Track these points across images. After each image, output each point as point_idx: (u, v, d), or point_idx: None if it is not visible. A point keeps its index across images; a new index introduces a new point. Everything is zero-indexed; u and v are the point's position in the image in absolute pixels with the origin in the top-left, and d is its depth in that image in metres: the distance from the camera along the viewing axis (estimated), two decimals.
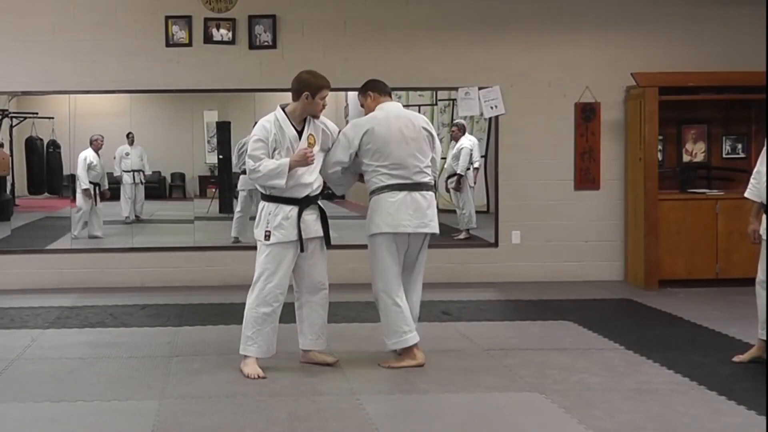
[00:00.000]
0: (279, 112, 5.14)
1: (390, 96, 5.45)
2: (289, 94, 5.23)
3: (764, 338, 5.21)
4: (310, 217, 5.12)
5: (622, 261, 8.63)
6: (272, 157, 5.02)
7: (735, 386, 4.81)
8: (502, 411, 4.52)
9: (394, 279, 5.25)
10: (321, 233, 5.17)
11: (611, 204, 8.62)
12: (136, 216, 10.10)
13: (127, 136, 9.83)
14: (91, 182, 9.60)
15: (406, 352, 5.30)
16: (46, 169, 10.14)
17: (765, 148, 5.22)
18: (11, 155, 9.71)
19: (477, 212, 9.80)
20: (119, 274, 8.40)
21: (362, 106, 5.50)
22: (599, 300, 7.67)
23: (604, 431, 4.14)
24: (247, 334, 5.12)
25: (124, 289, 8.21)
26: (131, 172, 10.02)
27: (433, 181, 5.40)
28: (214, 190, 10.42)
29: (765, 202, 5.13)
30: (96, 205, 9.63)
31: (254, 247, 5.21)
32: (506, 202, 8.63)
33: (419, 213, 5.23)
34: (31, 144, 10.04)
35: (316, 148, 5.12)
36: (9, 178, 9.87)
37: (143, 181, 10.15)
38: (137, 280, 8.42)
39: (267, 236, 5.04)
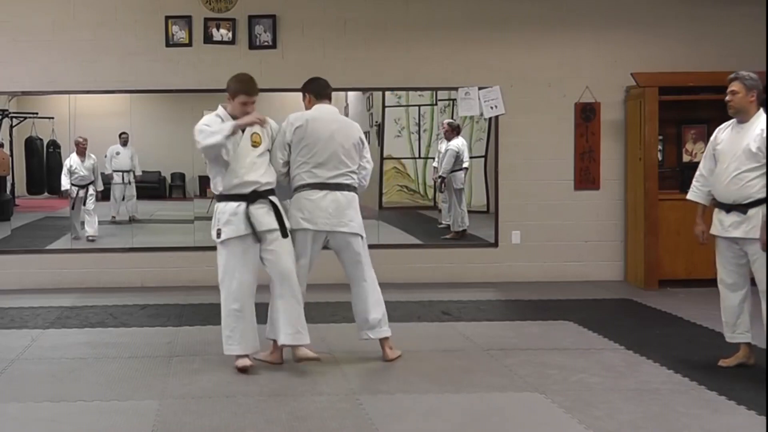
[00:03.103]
0: (221, 110, 5.29)
1: (329, 99, 5.55)
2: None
3: (734, 341, 5.27)
4: (260, 210, 5.18)
5: (622, 261, 8.63)
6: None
7: (735, 386, 4.81)
8: (502, 411, 4.52)
9: (304, 273, 5.33)
10: (275, 225, 5.20)
11: (611, 204, 8.62)
12: (130, 216, 10.07)
13: (120, 136, 9.81)
14: (73, 185, 9.60)
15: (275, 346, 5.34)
16: (46, 169, 10.12)
17: (708, 150, 5.39)
18: (11, 155, 9.69)
19: (477, 212, 9.80)
20: (119, 274, 8.40)
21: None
22: (599, 300, 7.67)
23: (604, 431, 4.14)
24: (225, 333, 5.21)
25: (124, 289, 8.21)
26: (120, 173, 10.02)
27: (356, 185, 5.45)
28: None
29: (723, 201, 5.20)
30: (74, 208, 9.58)
31: None
32: (506, 202, 8.63)
33: (337, 213, 5.30)
34: (31, 144, 10.02)
35: (262, 147, 5.26)
36: (9, 178, 9.85)
37: (131, 181, 10.12)
38: (137, 280, 8.42)
39: (218, 234, 5.20)
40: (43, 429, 4.30)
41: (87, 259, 8.54)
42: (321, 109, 5.45)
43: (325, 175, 5.30)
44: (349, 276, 5.48)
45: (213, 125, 5.15)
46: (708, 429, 4.18)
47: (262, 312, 5.30)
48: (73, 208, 9.59)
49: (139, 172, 10.04)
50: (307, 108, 5.49)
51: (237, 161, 5.17)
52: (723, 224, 5.21)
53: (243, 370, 5.14)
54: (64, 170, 9.61)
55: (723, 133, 5.30)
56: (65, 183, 9.61)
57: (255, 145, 5.23)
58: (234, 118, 5.20)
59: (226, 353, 5.21)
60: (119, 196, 10.11)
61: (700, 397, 4.66)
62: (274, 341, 5.30)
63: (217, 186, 5.26)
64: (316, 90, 5.51)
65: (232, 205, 5.17)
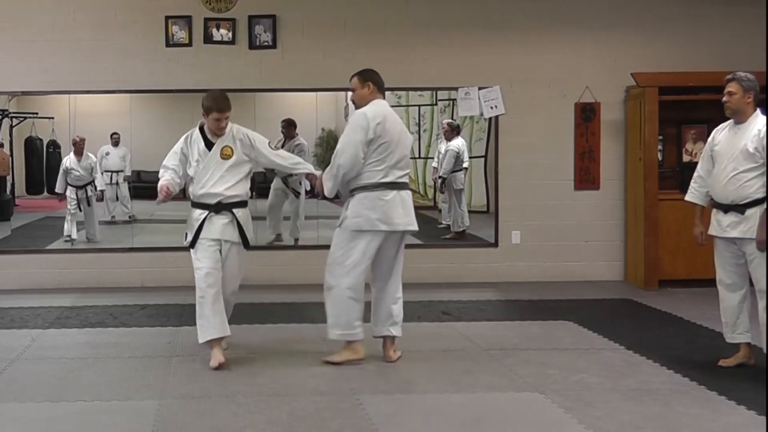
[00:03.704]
0: (196, 129, 5.55)
1: (384, 95, 5.50)
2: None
3: (734, 342, 5.27)
4: (220, 220, 5.40)
5: (622, 261, 8.63)
6: (189, 165, 5.49)
7: (735, 386, 4.81)
8: (502, 411, 4.52)
9: (362, 275, 5.36)
10: (229, 236, 5.41)
11: (611, 204, 8.62)
12: (129, 216, 10.04)
13: (111, 136, 9.81)
14: (71, 185, 9.58)
15: (350, 345, 5.39)
16: (46, 169, 10.12)
17: (705, 152, 5.40)
18: (11, 155, 9.69)
19: (477, 212, 9.80)
20: (119, 274, 8.40)
21: (353, 90, 5.48)
22: (599, 300, 7.67)
23: (604, 431, 4.14)
24: (198, 322, 5.40)
25: (124, 289, 8.21)
26: (110, 173, 10.01)
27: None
28: None
29: (721, 201, 5.20)
30: (80, 210, 9.55)
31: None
32: (506, 202, 8.63)
33: (407, 212, 5.36)
34: (31, 144, 10.02)
35: (233, 159, 5.42)
36: (9, 178, 9.86)
37: (119, 182, 10.09)
38: (137, 280, 8.42)
39: (186, 236, 5.52)
40: (43, 429, 4.30)
41: (87, 259, 8.54)
42: (386, 105, 5.45)
43: (396, 175, 5.33)
44: (383, 272, 5.47)
45: (179, 147, 5.54)
46: (708, 429, 4.19)
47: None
48: (80, 209, 9.55)
49: (128, 172, 10.02)
50: (367, 97, 5.39)
51: (206, 173, 5.42)
52: (721, 224, 5.22)
53: (213, 366, 5.28)
54: (61, 171, 9.59)
55: (720, 134, 5.31)
56: (61, 185, 9.57)
57: (225, 157, 5.43)
58: (210, 133, 5.44)
59: (201, 341, 5.37)
60: (111, 197, 10.11)
61: (700, 397, 4.66)
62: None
63: (189, 192, 5.60)
64: (380, 83, 5.46)
65: (196, 212, 5.47)
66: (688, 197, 5.50)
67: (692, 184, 5.48)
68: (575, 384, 4.94)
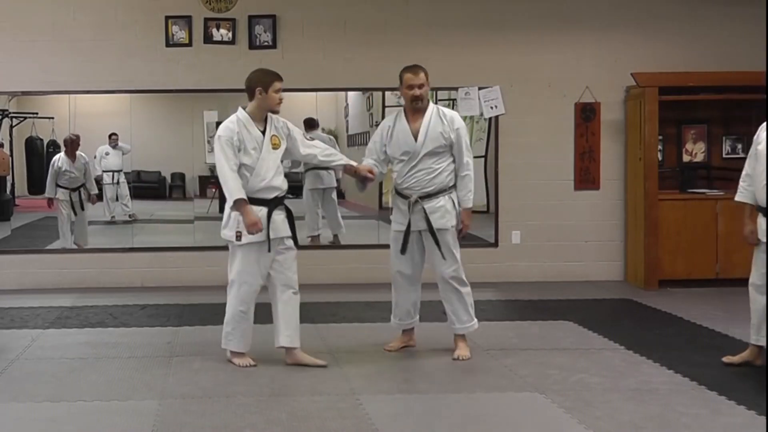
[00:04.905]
0: (241, 112, 5.18)
1: None
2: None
3: (759, 344, 5.19)
4: (279, 217, 5.19)
5: (622, 261, 8.63)
6: (244, 152, 5.05)
7: (735, 386, 4.81)
8: (502, 411, 4.52)
9: None
10: (289, 233, 5.23)
11: (611, 204, 8.62)
12: (130, 215, 10.02)
13: (110, 137, 9.79)
14: (64, 187, 9.29)
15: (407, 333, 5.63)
16: (46, 169, 10.12)
17: (752, 149, 5.23)
18: (11, 155, 9.68)
19: (477, 212, 9.77)
20: (119, 274, 8.40)
21: (422, 86, 5.39)
22: (599, 300, 7.67)
23: (604, 431, 4.14)
24: (227, 330, 5.32)
25: (124, 289, 8.21)
26: (111, 172, 9.98)
27: None
28: (214, 190, 10.40)
29: (761, 204, 5.13)
30: (76, 214, 9.26)
31: None
32: (506, 202, 8.63)
33: None
34: (31, 144, 10.01)
35: (281, 149, 5.19)
36: (9, 178, 9.85)
37: (120, 181, 10.06)
38: (137, 280, 8.42)
39: (238, 237, 5.09)
40: (43, 429, 4.30)
41: (87, 259, 8.54)
42: None
43: None
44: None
45: (232, 134, 5.05)
46: (708, 429, 4.18)
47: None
48: (75, 214, 9.24)
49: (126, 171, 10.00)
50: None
51: (263, 163, 5.11)
52: (761, 227, 5.10)
53: (241, 366, 5.25)
54: (51, 172, 9.28)
55: (765, 132, 5.12)
56: (51, 187, 9.24)
57: (275, 147, 5.17)
58: (262, 115, 5.15)
59: (224, 347, 5.34)
60: (111, 197, 10.09)
61: (700, 397, 4.66)
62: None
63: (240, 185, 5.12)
64: None
65: (254, 209, 5.07)
66: (737, 197, 5.30)
67: (741, 182, 5.29)
68: (575, 384, 4.94)
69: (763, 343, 5.16)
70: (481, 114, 8.56)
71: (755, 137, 5.26)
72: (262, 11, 8.38)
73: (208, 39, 8.36)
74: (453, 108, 9.74)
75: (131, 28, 8.33)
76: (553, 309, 7.15)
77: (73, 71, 8.29)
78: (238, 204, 5.03)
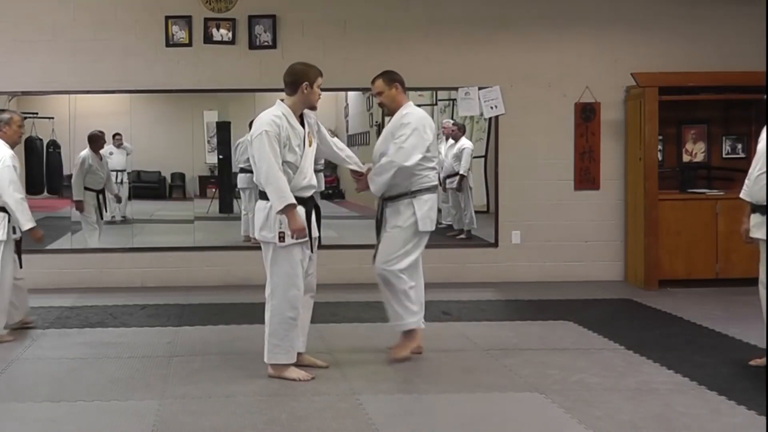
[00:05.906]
0: (282, 106, 4.92)
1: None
2: None
3: None
4: (313, 217, 5.06)
5: (622, 261, 8.63)
6: (289, 149, 4.82)
7: (735, 386, 4.81)
8: (502, 411, 4.52)
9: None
10: (317, 233, 5.14)
11: (611, 204, 8.62)
12: (122, 216, 9.99)
13: (114, 137, 9.79)
14: (91, 189, 9.27)
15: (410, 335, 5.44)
16: (46, 169, 10.11)
17: (758, 149, 5.24)
18: None
19: (477, 212, 9.80)
20: (119, 274, 8.40)
21: (380, 93, 5.44)
22: (599, 300, 7.67)
23: (604, 431, 4.14)
24: (273, 342, 4.95)
25: (124, 289, 8.21)
26: (115, 172, 9.98)
27: None
28: (214, 190, 10.41)
29: (753, 201, 5.15)
30: (102, 217, 9.22)
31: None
32: (506, 202, 8.63)
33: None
34: (31, 144, 10.00)
35: (314, 145, 5.08)
36: None
37: (123, 181, 10.05)
38: (137, 280, 8.42)
39: (281, 238, 4.80)
40: (43, 429, 4.30)
41: (87, 259, 8.53)
42: (414, 106, 5.47)
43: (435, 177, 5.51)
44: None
45: (279, 130, 4.79)
46: (708, 429, 4.18)
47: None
48: (101, 217, 9.12)
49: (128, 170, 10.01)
50: (397, 98, 5.40)
51: (305, 161, 4.90)
52: (753, 226, 5.13)
53: (301, 380, 4.94)
54: (78, 172, 9.12)
55: (765, 132, 5.15)
56: (80, 188, 9.08)
57: (311, 144, 4.97)
58: (300, 111, 4.94)
59: (269, 362, 5.00)
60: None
61: (700, 397, 4.66)
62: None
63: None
64: (403, 84, 5.49)
65: (302, 212, 4.87)
66: (742, 195, 5.34)
67: (746, 181, 5.31)
68: (575, 384, 4.94)
69: None
70: (481, 114, 8.56)
71: (760, 137, 5.28)
72: (262, 11, 8.38)
73: (208, 39, 8.36)
74: (453, 108, 9.80)
75: (131, 28, 8.33)
76: (553, 309, 7.15)
77: (73, 71, 8.29)
78: (287, 208, 4.75)
